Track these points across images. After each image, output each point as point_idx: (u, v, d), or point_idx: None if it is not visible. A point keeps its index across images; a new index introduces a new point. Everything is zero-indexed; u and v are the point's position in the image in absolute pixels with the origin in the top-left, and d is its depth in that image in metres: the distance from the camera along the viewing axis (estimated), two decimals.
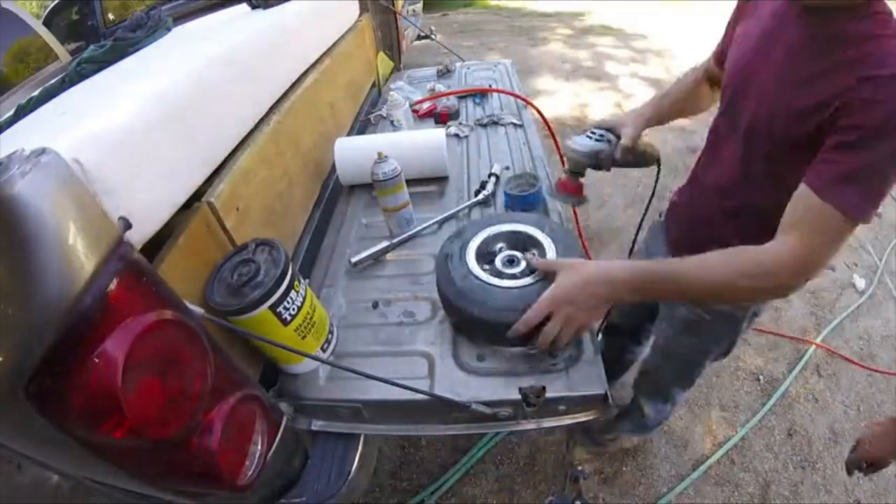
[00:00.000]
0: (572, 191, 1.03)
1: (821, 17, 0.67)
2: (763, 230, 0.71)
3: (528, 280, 0.82)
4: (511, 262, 0.89)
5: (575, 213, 1.56)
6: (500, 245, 0.93)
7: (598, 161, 0.99)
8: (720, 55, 0.94)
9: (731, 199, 0.88)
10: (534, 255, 0.88)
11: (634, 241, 1.22)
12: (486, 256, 0.91)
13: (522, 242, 0.93)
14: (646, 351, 1.40)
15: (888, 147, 0.61)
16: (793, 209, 0.68)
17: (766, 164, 0.78)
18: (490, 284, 0.82)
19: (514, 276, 0.84)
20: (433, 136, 1.29)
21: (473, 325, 0.84)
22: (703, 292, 0.73)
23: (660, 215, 1.18)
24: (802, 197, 0.67)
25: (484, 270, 0.86)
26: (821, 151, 0.66)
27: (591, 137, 0.99)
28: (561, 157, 1.03)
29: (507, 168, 1.34)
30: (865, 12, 0.64)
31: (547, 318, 0.73)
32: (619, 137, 0.99)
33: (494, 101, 1.79)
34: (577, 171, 1.02)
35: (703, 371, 1.20)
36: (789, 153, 0.73)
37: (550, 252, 0.87)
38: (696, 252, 0.72)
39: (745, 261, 0.69)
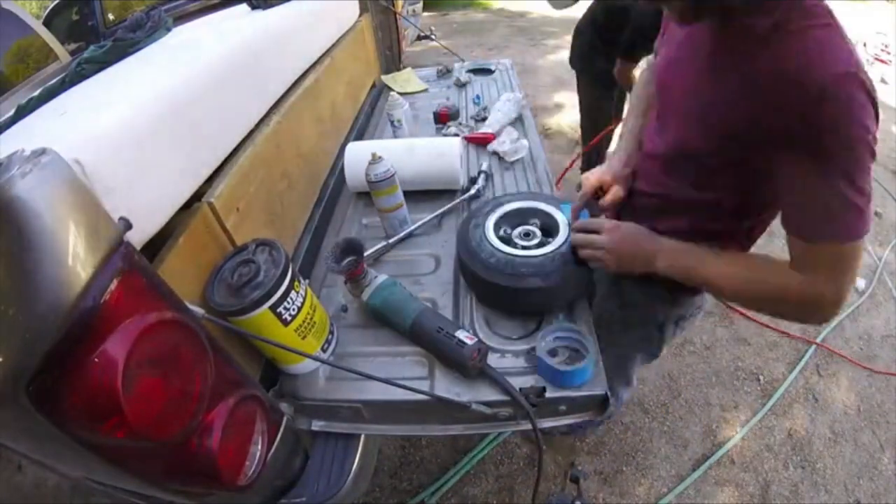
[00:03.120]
0: None
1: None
2: None
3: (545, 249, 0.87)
4: (527, 235, 0.94)
5: None
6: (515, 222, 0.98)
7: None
8: None
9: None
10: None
11: None
12: (504, 231, 0.97)
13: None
14: None
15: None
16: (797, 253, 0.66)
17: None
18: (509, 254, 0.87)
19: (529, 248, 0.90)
20: (446, 146, 1.24)
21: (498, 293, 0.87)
22: (740, 285, 0.71)
23: None
24: (798, 245, 0.65)
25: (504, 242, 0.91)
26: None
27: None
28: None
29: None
30: None
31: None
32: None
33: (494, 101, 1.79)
34: None
35: (636, 369, 1.19)
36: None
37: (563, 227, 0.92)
38: None
39: (788, 278, 0.66)
